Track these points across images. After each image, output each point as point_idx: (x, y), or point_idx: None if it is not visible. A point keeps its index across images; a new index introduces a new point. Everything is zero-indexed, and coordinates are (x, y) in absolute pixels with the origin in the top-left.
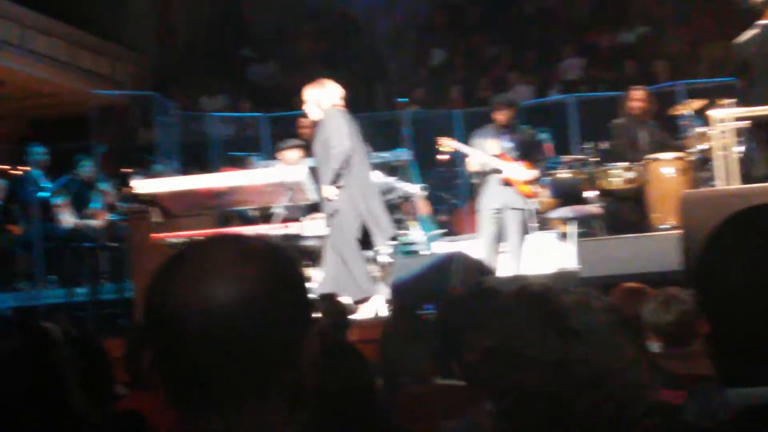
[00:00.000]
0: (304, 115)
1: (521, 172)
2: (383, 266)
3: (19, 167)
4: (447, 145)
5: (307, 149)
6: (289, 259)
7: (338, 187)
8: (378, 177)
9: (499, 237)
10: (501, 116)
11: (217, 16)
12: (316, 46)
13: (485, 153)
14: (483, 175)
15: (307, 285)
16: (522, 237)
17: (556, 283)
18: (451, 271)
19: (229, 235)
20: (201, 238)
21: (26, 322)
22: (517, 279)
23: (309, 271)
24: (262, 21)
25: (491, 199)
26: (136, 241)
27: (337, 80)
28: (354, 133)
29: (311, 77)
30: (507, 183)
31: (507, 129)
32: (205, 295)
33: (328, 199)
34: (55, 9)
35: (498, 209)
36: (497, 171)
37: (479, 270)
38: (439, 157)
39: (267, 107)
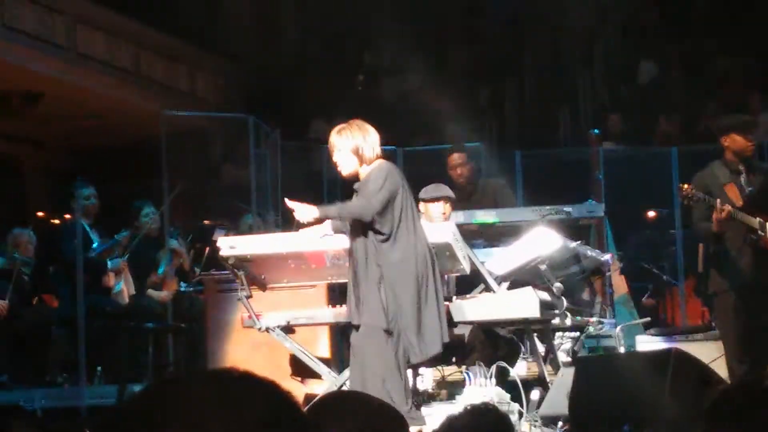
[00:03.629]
0: (458, 150)
1: None
2: (558, 368)
3: (57, 216)
4: (692, 194)
5: (459, 201)
6: (275, 392)
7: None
8: (556, 240)
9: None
10: (736, 145)
11: (338, 13)
12: (472, 54)
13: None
14: (721, 238)
15: None
16: None
17: None
18: (662, 379)
19: (215, 373)
20: (184, 376)
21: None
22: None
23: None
24: (395, 18)
25: (740, 273)
26: (216, 322)
27: (500, 101)
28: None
29: (464, 97)
30: (764, 249)
31: (742, 166)
32: None
33: None
34: None
35: (749, 289)
36: (750, 231)
37: (704, 378)
38: (649, 213)
39: (403, 138)
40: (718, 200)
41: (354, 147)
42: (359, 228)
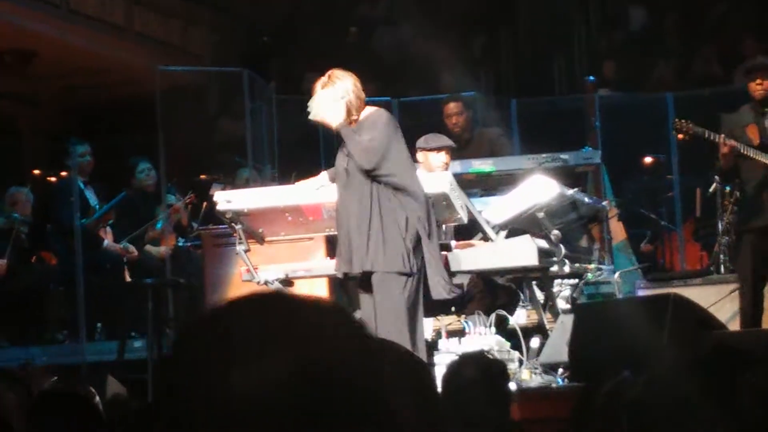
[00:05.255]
0: (453, 100)
1: None
2: (557, 315)
3: (53, 174)
4: (688, 128)
5: (456, 150)
6: (351, 320)
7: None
8: (553, 188)
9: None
10: (762, 88)
11: None
12: (466, 2)
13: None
14: (728, 175)
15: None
16: None
17: None
18: (661, 324)
19: (270, 295)
20: (231, 299)
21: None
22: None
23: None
24: None
25: (759, 213)
26: (214, 277)
27: (495, 50)
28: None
29: (458, 46)
30: None
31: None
32: (221, 383)
33: None
34: None
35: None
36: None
37: (702, 323)
38: (646, 159)
39: (398, 89)
40: (722, 135)
41: (341, 92)
42: (364, 176)
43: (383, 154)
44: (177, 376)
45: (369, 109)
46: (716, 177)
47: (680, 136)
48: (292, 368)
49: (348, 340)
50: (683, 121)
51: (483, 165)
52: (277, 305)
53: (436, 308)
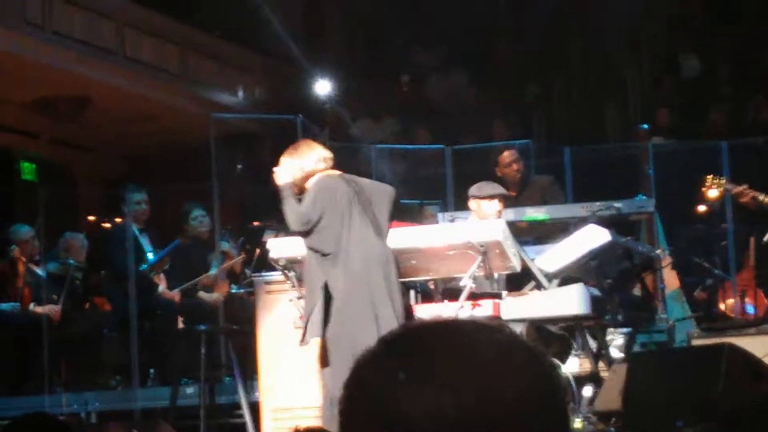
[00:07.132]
0: (506, 148)
1: None
2: (611, 364)
3: (108, 220)
4: (718, 184)
5: (508, 198)
6: (539, 356)
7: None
8: (606, 237)
9: None
10: None
11: (384, 10)
12: (520, 51)
13: None
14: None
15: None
16: None
17: None
18: (715, 374)
19: (449, 322)
20: (416, 323)
21: None
22: None
23: None
24: (444, 16)
25: None
26: (267, 323)
27: (547, 97)
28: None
29: (510, 94)
30: None
31: None
32: (436, 401)
33: None
34: (164, 3)
35: None
36: None
37: (758, 373)
38: (700, 208)
39: (450, 136)
40: (742, 186)
41: (294, 170)
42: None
43: (310, 226)
44: (355, 395)
45: (314, 178)
46: None
47: (710, 195)
48: (471, 398)
49: (532, 375)
50: (715, 177)
51: (536, 213)
52: (460, 331)
53: None
